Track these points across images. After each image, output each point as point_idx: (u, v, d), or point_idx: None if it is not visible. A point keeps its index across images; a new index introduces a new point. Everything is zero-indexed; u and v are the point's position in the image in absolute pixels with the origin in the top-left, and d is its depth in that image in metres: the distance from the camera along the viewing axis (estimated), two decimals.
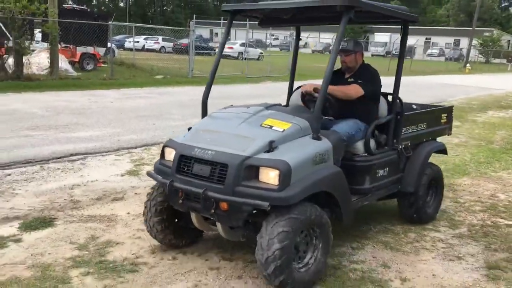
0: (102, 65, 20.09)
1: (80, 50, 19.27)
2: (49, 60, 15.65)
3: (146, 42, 40.35)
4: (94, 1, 75.53)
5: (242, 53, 30.45)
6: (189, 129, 3.75)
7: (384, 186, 4.22)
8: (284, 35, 45.53)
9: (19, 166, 6.05)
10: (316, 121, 3.40)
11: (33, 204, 4.82)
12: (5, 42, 14.30)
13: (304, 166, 3.22)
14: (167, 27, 32.71)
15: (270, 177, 3.11)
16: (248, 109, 3.75)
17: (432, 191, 4.74)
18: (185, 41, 25.37)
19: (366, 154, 4.00)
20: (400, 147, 4.31)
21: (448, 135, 5.29)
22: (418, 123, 4.59)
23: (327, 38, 48.84)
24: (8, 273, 3.41)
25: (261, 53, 35.68)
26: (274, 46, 52.85)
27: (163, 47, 39.27)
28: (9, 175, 5.67)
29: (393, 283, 3.54)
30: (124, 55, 25.21)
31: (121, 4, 75.27)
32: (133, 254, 3.81)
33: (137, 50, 33.99)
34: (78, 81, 14.99)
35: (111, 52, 18.92)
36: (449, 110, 5.20)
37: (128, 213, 4.70)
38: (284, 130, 3.39)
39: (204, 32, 50.38)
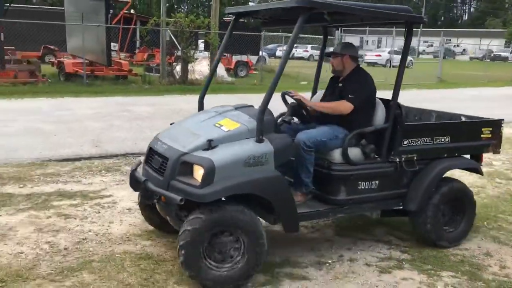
0: (254, 72, 21.89)
1: (235, 58, 21.32)
2: (209, 67, 17.74)
3: (296, 50, 41.98)
4: None
5: (390, 60, 30.13)
6: (171, 124, 4.00)
7: (371, 200, 3.94)
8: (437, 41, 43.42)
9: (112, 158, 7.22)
10: (258, 123, 3.30)
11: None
12: (175, 51, 16.62)
13: (232, 166, 3.21)
14: (314, 35, 33.67)
15: (198, 174, 3.19)
16: (221, 107, 3.82)
17: (453, 212, 4.21)
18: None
19: (344, 163, 3.80)
20: (399, 160, 3.92)
21: (494, 153, 4.53)
22: (434, 136, 4.06)
23: (487, 44, 45.29)
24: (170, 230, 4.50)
25: (411, 60, 34.73)
26: (428, 53, 50.69)
27: (311, 55, 40.52)
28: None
29: (492, 268, 3.82)
30: (274, 63, 26.90)
31: None
32: None
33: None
34: (231, 86, 16.73)
35: (262, 60, 20.51)
36: (495, 124, 4.38)
37: None
38: (229, 130, 3.41)
39: (355, 40, 50.51)
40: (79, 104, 11.16)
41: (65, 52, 18.16)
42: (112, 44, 16.95)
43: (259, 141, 3.30)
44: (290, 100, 4.04)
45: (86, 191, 5.32)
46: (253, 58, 22.32)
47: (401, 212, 4.16)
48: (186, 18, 15.81)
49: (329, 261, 3.87)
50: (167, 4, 18.80)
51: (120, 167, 6.35)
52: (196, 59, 18.06)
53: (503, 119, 4.44)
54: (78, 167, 6.26)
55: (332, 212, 3.85)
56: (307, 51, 41.88)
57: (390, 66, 23.68)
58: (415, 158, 3.98)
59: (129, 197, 5.11)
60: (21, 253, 3.74)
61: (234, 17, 4.30)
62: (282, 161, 3.39)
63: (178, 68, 16.44)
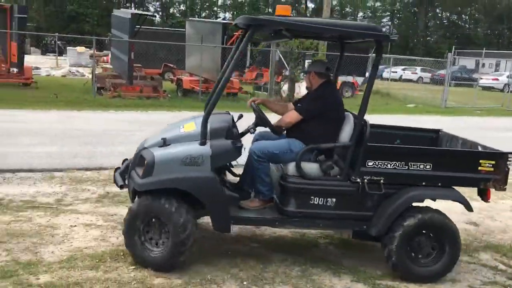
0: (359, 93, 21.85)
1: (341, 79, 21.47)
2: None
3: (404, 72, 40.95)
4: None
5: (508, 85, 28.23)
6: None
7: (326, 217, 3.86)
8: None
9: None
10: (202, 129, 3.66)
11: None
12: (283, 71, 17.27)
13: (171, 163, 3.62)
14: (425, 58, 32.67)
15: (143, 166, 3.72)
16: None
17: (429, 246, 3.88)
18: (444, 71, 25.21)
19: (298, 176, 3.82)
20: (361, 181, 3.77)
21: (496, 190, 3.94)
22: (410, 161, 3.78)
23: None
24: (275, 232, 4.87)
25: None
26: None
27: (420, 77, 39.20)
28: None
29: None
30: (380, 84, 26.55)
31: None
32: None
33: (394, 80, 35.03)
34: None
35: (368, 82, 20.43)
36: (499, 157, 3.87)
37: None
38: (184, 132, 3.86)
39: (469, 62, 47.88)
40: None
41: (183, 70, 19.68)
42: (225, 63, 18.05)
43: (201, 143, 3.66)
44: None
45: None
46: (359, 79, 22.31)
47: (374, 237, 3.94)
48: (296, 40, 16.39)
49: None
50: None
51: None
52: (302, 79, 18.55)
53: (510, 152, 3.87)
54: None
55: (280, 222, 3.90)
56: (415, 73, 40.63)
57: (508, 91, 22.21)
58: (382, 181, 3.79)
59: None
60: None
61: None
62: (219, 164, 3.74)
63: (285, 87, 17.03)
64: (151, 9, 70.31)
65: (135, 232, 3.72)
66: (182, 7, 70.46)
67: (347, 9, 79.49)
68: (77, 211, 5.03)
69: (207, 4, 70.32)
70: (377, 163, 3.77)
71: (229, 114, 4.20)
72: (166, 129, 4.27)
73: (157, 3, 71.10)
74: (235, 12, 72.43)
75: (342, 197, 3.84)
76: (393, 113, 16.08)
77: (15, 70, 16.41)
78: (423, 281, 3.87)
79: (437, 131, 4.85)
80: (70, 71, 23.62)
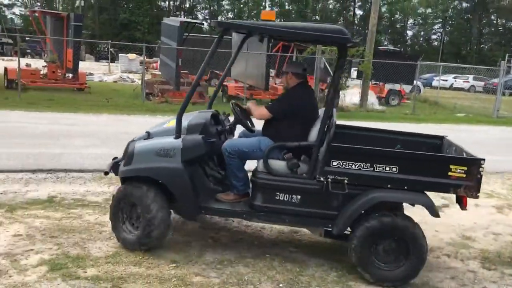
0: (406, 101, 21.45)
1: (387, 87, 21.16)
2: (360, 95, 17.96)
3: (455, 80, 39.76)
4: (409, 41, 78.29)
5: None
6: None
7: (291, 213, 3.97)
8: None
9: None
10: (176, 124, 4.05)
11: None
12: (328, 78, 17.23)
13: (147, 153, 4.06)
14: (477, 66, 31.64)
15: None
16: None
17: (391, 250, 3.86)
18: (497, 80, 24.37)
19: (267, 172, 4.00)
20: (325, 180, 3.82)
21: (468, 197, 3.83)
22: (375, 163, 3.77)
23: None
24: (314, 238, 4.91)
25: None
26: None
27: (472, 86, 37.97)
28: None
29: None
30: (429, 93, 25.98)
31: (435, 43, 75.68)
32: None
33: (444, 88, 34.09)
34: (381, 114, 16.69)
35: (416, 90, 20.03)
36: (471, 163, 3.74)
37: None
38: (165, 127, 4.32)
39: None
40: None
41: (228, 77, 20.00)
42: (270, 70, 18.23)
43: (176, 137, 4.04)
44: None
45: None
46: (406, 88, 21.89)
47: (344, 236, 4.03)
48: None
49: None
50: None
51: None
52: (348, 86, 18.43)
53: (483, 159, 3.74)
54: None
55: (248, 215, 4.09)
56: (467, 81, 39.36)
57: None
58: (346, 181, 3.82)
59: None
60: (191, 242, 4.47)
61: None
62: (189, 157, 4.00)
63: None
64: (200, 17, 71.83)
65: (118, 216, 4.18)
66: (230, 15, 71.55)
67: (397, 16, 78.05)
68: None
69: (255, 12, 70.98)
70: (341, 163, 3.83)
71: (216, 112, 4.67)
72: (155, 125, 4.76)
73: (206, 11, 72.58)
74: (281, 20, 72.75)
75: (307, 195, 3.96)
76: (441, 122, 15.67)
77: (70, 75, 17.22)
78: (384, 284, 3.86)
79: (441, 138, 4.77)
80: (121, 77, 24.51)
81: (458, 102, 21.93)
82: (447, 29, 77.02)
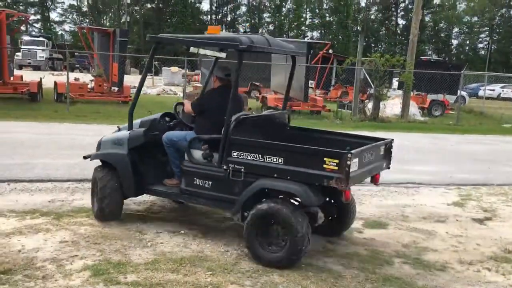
0: (450, 112, 20.92)
1: (430, 97, 20.73)
2: (401, 106, 17.68)
3: (503, 90, 38.47)
4: (454, 50, 76.36)
5: None
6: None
7: (205, 197, 4.70)
8: None
9: (367, 185, 7.69)
10: (129, 120, 5.12)
11: (373, 212, 6.29)
12: (368, 89, 17.09)
13: (107, 143, 5.20)
14: None
15: None
16: None
17: (275, 234, 4.27)
18: None
19: (189, 160, 4.78)
20: (226, 168, 4.46)
21: (340, 189, 4.05)
22: (265, 154, 4.31)
23: None
24: (349, 249, 4.90)
25: None
26: None
27: None
28: (359, 190, 7.38)
29: None
30: (474, 103, 25.24)
31: (482, 52, 73.48)
32: (444, 260, 4.71)
33: (491, 98, 32.99)
34: (423, 125, 16.37)
35: (460, 100, 19.51)
36: (340, 156, 4.00)
37: (447, 232, 5.57)
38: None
39: None
40: None
41: (268, 88, 20.17)
42: (309, 81, 18.27)
43: (128, 131, 5.12)
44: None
45: None
46: (450, 98, 21.37)
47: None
48: (382, 58, 16.18)
49: None
50: (364, 44, 19.46)
51: None
52: (389, 97, 18.20)
53: (351, 152, 4.00)
54: None
55: (175, 196, 5.04)
56: None
57: None
58: (243, 170, 4.37)
59: None
60: (227, 251, 4.57)
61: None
62: (133, 146, 5.02)
63: (370, 105, 16.82)
64: (241, 30, 72.78)
65: (93, 192, 5.29)
66: (271, 27, 72.08)
67: (441, 25, 76.28)
68: (163, 219, 5.43)
69: (295, 23, 71.27)
70: (240, 154, 4.44)
71: (174, 112, 5.42)
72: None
73: (247, 24, 73.47)
74: (322, 31, 72.71)
75: (217, 181, 4.60)
76: (487, 133, 15.22)
77: (116, 89, 17.86)
78: (270, 265, 4.23)
79: (390, 141, 5.04)
80: (164, 90, 25.17)
81: (506, 112, 21.20)
82: (494, 38, 74.51)
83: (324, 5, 73.65)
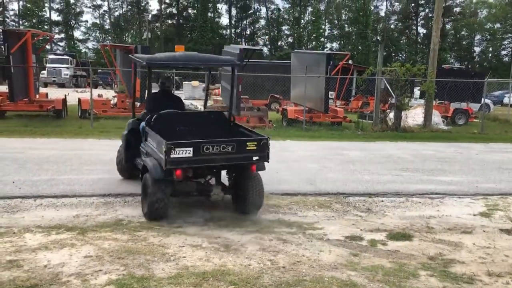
0: (474, 120, 20.55)
1: (453, 106, 20.42)
2: (423, 115, 17.46)
3: None
4: (477, 58, 75.29)
5: None
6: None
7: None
8: None
9: (390, 196, 7.63)
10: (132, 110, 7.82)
11: (397, 223, 6.20)
12: (389, 99, 16.93)
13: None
14: None
15: None
16: None
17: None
18: None
19: None
20: (143, 146, 6.72)
21: (260, 166, 6.15)
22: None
23: None
24: (373, 261, 4.83)
25: None
26: None
27: None
28: (382, 201, 7.30)
29: None
30: (500, 111, 24.78)
31: (506, 59, 72.20)
32: (472, 272, 4.60)
33: None
34: (447, 134, 16.11)
35: (485, 108, 19.16)
36: (258, 141, 6.00)
37: (474, 244, 5.45)
38: None
39: None
40: (298, 146, 12.34)
41: (288, 100, 20.18)
42: (329, 92, 18.23)
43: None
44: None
45: (301, 222, 6.05)
46: (474, 106, 21.02)
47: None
48: (402, 67, 16.04)
49: None
50: (384, 53, 19.32)
51: (331, 205, 6.95)
52: (411, 106, 17.98)
53: (267, 137, 6.02)
54: (295, 201, 7.08)
55: (139, 165, 6.91)
56: None
57: None
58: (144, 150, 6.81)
59: (339, 231, 5.64)
60: (249, 265, 4.55)
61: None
62: (128, 129, 7.35)
63: (391, 115, 16.66)
64: (260, 42, 73.22)
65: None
66: (290, 39, 72.34)
67: (463, 33, 75.40)
68: (185, 233, 5.46)
69: (314, 35, 71.38)
70: (146, 139, 6.55)
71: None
72: None
73: (266, 37, 73.90)
74: (341, 42, 72.59)
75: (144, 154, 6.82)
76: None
77: (138, 104, 18.10)
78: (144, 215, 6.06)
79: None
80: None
81: None
82: None
83: (343, 16, 73.65)
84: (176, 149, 5.50)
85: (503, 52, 76.27)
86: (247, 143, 5.94)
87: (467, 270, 4.65)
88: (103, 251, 4.78)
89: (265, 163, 6.11)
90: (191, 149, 5.54)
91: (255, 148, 5.93)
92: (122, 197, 6.95)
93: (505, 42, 75.56)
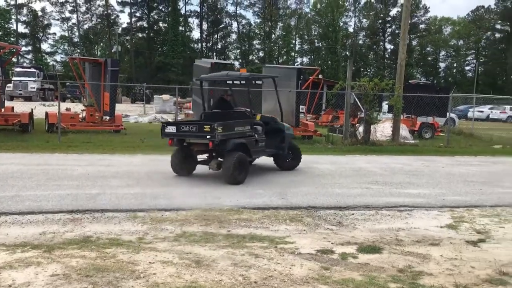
0: (440, 134, 21.12)
1: (420, 120, 20.95)
2: (391, 129, 17.84)
3: (491, 111, 39.02)
4: (442, 73, 77.57)
5: None
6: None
7: None
8: None
9: (361, 209, 7.73)
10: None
11: (367, 236, 6.27)
12: (358, 113, 17.24)
13: None
14: (509, 96, 30.92)
15: None
16: None
17: None
18: None
19: None
20: None
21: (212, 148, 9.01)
22: None
23: None
24: (344, 275, 4.88)
25: None
26: None
27: (510, 116, 37.19)
28: (353, 214, 7.38)
29: None
30: (464, 125, 25.53)
31: (469, 75, 74.68)
32: (440, 284, 4.69)
33: (480, 120, 33.37)
34: (414, 148, 16.49)
35: (450, 122, 19.73)
36: (210, 126, 8.67)
37: (441, 255, 5.56)
38: None
39: None
40: (269, 160, 12.35)
41: (259, 113, 20.25)
42: (300, 106, 18.43)
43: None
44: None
45: (273, 236, 6.04)
46: (440, 120, 21.60)
47: None
48: (371, 82, 16.39)
49: None
50: (353, 68, 19.70)
51: (302, 218, 6.98)
52: (379, 120, 18.35)
53: (215, 124, 8.58)
54: (266, 215, 7.08)
55: None
56: (504, 112, 38.53)
57: None
58: None
59: (310, 245, 5.66)
60: (221, 281, 4.52)
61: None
62: None
63: (360, 129, 16.95)
64: (232, 56, 73.52)
65: None
66: (261, 54, 72.90)
67: (428, 49, 77.62)
68: (156, 249, 5.37)
69: (285, 49, 72.16)
70: None
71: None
72: None
73: (238, 51, 74.29)
74: (312, 57, 73.61)
75: None
76: (477, 154, 15.35)
77: (107, 118, 17.88)
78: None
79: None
80: (155, 118, 25.22)
81: (495, 133, 21.45)
82: (481, 60, 75.88)
83: (313, 31, 74.85)
84: (168, 126, 9.24)
85: (467, 68, 78.86)
86: (204, 126, 8.69)
87: (435, 282, 4.72)
88: (71, 269, 4.66)
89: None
90: (174, 127, 9.15)
91: (209, 130, 8.59)
92: (90, 213, 6.80)
93: (469, 58, 78.15)
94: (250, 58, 73.25)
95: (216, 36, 74.20)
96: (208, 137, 8.59)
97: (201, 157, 9.85)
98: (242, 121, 9.66)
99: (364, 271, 4.96)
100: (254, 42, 74.16)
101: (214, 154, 9.46)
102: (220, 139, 8.68)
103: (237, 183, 8.90)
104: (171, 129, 9.06)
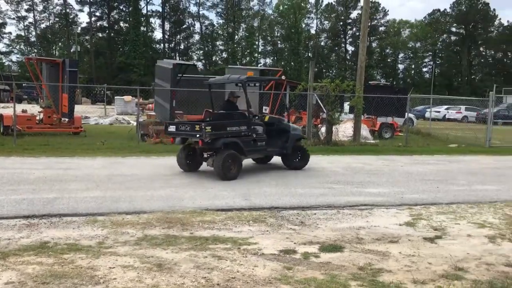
0: (399, 133, 21.67)
1: (380, 120, 21.43)
2: (353, 129, 18.17)
3: (448, 112, 40.30)
4: (401, 74, 79.60)
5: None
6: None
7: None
8: None
9: (323, 208, 7.83)
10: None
11: (329, 235, 6.35)
12: (320, 114, 17.47)
13: None
14: (465, 97, 32.08)
15: None
16: None
17: None
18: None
19: None
20: None
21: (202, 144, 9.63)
22: None
23: None
24: (306, 274, 4.93)
25: None
26: None
27: (465, 116, 38.49)
28: (315, 214, 7.47)
29: None
30: (422, 125, 26.28)
31: (427, 76, 76.96)
32: (399, 280, 4.80)
33: (437, 119, 34.44)
34: (375, 147, 16.85)
35: (408, 122, 20.28)
36: (200, 124, 9.57)
37: (400, 252, 5.70)
38: None
39: None
40: None
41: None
42: (263, 107, 18.50)
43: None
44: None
45: (236, 237, 6.04)
46: (399, 120, 22.16)
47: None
48: (332, 83, 16.64)
49: None
50: (316, 69, 19.91)
51: (266, 219, 7.00)
52: (341, 121, 18.65)
53: (204, 124, 9.47)
54: (230, 216, 7.07)
55: None
56: (460, 112, 39.88)
57: None
58: None
59: (273, 245, 5.68)
60: (183, 284, 4.47)
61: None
62: None
63: (323, 129, 17.18)
64: (195, 57, 73.02)
65: None
66: (224, 55, 72.75)
67: (387, 51, 79.48)
68: (116, 253, 5.27)
69: (248, 51, 72.28)
70: None
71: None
72: None
73: (201, 52, 73.88)
74: (275, 58, 74.03)
75: None
76: (434, 153, 15.83)
77: (66, 120, 17.42)
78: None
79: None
80: (117, 119, 24.77)
81: (451, 133, 22.18)
82: (438, 62, 78.39)
83: (276, 32, 75.32)
84: (169, 126, 10.33)
85: (424, 69, 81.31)
86: (195, 126, 9.52)
87: (394, 279, 4.84)
88: (26, 276, 4.50)
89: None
90: (174, 126, 10.19)
91: (199, 129, 9.36)
92: (48, 218, 6.60)
93: (426, 60, 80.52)
94: (213, 59, 73.01)
95: (178, 36, 73.54)
96: (197, 135, 9.38)
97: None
98: (237, 121, 10.13)
99: (325, 270, 5.03)
100: (217, 43, 73.99)
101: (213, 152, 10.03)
102: (210, 138, 9.36)
103: (228, 179, 9.53)
104: (172, 128, 10.07)
